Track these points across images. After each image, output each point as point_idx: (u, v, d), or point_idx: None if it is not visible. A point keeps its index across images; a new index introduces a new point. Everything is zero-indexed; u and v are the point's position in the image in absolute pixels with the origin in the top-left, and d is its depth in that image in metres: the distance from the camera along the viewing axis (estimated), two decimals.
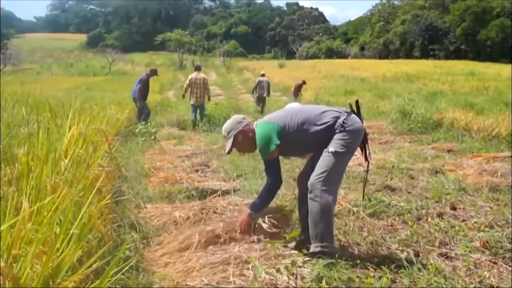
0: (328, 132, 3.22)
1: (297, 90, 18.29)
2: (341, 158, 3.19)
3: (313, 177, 3.15)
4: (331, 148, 3.16)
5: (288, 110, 3.48)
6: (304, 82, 18.90)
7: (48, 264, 1.89)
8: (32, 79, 38.16)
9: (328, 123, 3.23)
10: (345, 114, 3.27)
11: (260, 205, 3.38)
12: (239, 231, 3.42)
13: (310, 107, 3.50)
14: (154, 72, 12.12)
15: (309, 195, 3.16)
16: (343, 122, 3.19)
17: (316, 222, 3.15)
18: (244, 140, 3.37)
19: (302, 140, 3.29)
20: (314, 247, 3.15)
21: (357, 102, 3.44)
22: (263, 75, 16.70)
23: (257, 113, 14.51)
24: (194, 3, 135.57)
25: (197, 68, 12.54)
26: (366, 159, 3.50)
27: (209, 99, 12.24)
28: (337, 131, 3.20)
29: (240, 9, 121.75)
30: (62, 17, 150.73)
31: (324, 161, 3.17)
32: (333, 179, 3.18)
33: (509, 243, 3.48)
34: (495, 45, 58.00)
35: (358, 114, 3.36)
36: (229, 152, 3.45)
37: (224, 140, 3.48)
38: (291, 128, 3.26)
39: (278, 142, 3.21)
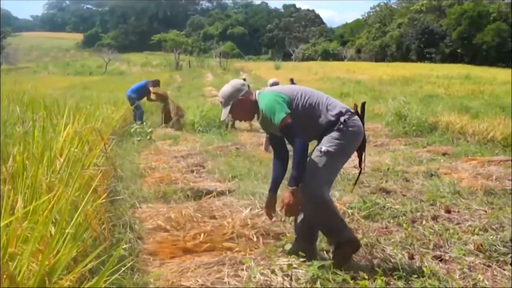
0: (328, 126, 3.05)
1: None
2: (333, 159, 3.02)
3: (304, 182, 2.96)
4: (324, 147, 3.01)
5: (295, 87, 3.27)
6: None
7: (45, 263, 1.89)
8: (28, 78, 37.95)
9: (332, 119, 3.05)
10: (349, 113, 3.10)
11: (300, 175, 2.95)
12: (288, 213, 3.08)
13: (317, 91, 3.24)
14: (156, 83, 12.37)
15: (302, 201, 3.00)
16: (344, 121, 3.02)
17: (320, 223, 3.14)
18: (242, 109, 3.17)
19: (306, 123, 3.06)
20: (334, 244, 3.14)
21: (363, 104, 3.33)
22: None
23: None
24: (191, 3, 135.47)
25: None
26: (359, 165, 3.37)
27: None
28: (335, 128, 3.03)
29: (237, 10, 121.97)
30: (59, 16, 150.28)
31: (316, 162, 3.01)
32: (325, 179, 3.04)
33: (503, 246, 3.49)
34: (491, 49, 58.21)
35: (362, 117, 3.23)
36: (224, 119, 3.29)
37: (221, 106, 3.20)
38: (298, 106, 3.06)
39: (288, 110, 2.97)
